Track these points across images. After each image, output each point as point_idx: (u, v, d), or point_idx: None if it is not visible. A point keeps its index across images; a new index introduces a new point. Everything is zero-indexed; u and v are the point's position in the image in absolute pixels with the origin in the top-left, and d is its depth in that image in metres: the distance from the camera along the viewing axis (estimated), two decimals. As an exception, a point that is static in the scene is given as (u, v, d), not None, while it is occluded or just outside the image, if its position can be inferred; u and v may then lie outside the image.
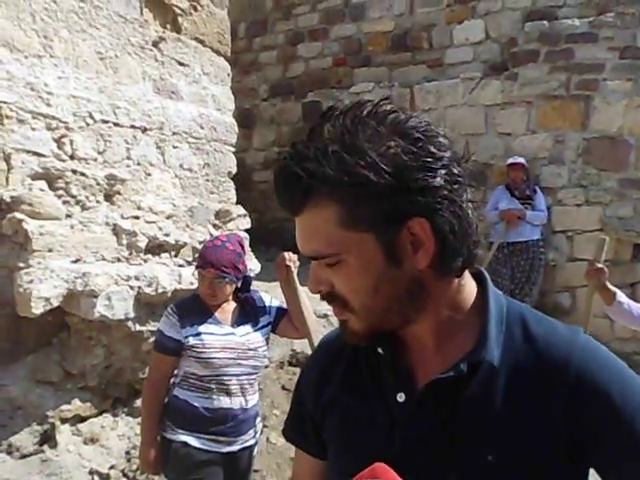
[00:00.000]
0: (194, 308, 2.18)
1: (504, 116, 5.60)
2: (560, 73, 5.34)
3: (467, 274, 0.74)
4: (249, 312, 2.23)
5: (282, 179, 0.68)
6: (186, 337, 2.11)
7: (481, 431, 0.69)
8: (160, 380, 2.17)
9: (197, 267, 2.19)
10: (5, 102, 2.83)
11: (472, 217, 0.70)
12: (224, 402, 2.12)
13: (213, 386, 2.12)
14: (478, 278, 0.77)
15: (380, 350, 0.76)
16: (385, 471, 0.63)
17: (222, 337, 2.15)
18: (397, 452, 0.71)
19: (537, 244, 5.10)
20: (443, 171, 0.66)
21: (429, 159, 0.66)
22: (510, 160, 5.19)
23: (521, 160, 5.15)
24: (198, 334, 2.12)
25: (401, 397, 0.73)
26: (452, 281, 0.72)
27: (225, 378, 2.12)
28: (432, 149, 0.66)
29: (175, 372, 2.20)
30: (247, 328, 2.21)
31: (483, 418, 0.69)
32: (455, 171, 0.68)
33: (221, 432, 2.11)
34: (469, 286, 0.75)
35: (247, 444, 2.22)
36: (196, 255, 2.94)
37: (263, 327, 2.26)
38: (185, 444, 2.10)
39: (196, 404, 2.11)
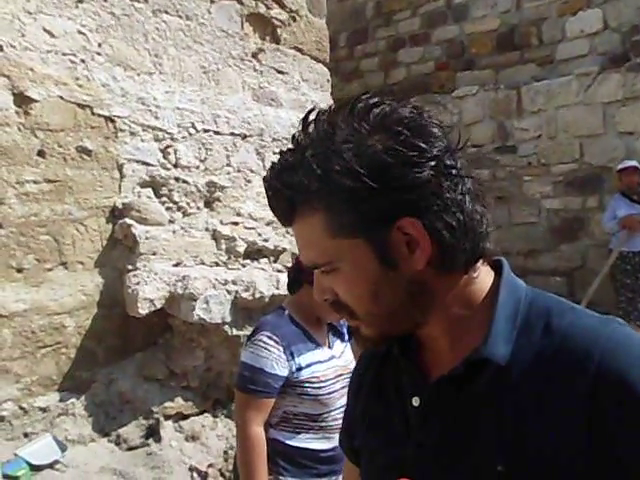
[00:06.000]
0: (291, 331, 1.72)
1: (626, 113, 5.11)
2: (694, 61, 4.80)
3: (482, 266, 0.68)
4: (330, 324, 1.82)
5: (268, 192, 0.68)
6: (298, 371, 1.67)
7: (489, 438, 0.62)
8: (262, 432, 1.65)
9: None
10: (119, 116, 3.06)
11: (474, 209, 0.64)
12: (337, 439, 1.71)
13: (327, 423, 1.71)
14: (498, 268, 0.70)
15: (396, 352, 0.73)
16: None
17: (328, 363, 1.74)
18: (410, 462, 0.68)
19: None
20: (432, 163, 0.61)
21: (413, 153, 0.61)
22: (620, 165, 4.93)
23: (633, 163, 4.88)
24: (309, 365, 1.68)
25: (416, 401, 0.69)
26: (458, 277, 0.67)
27: (338, 411, 1.69)
28: (418, 142, 0.62)
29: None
30: (339, 345, 1.83)
31: (491, 423, 0.62)
32: (448, 163, 0.63)
33: (339, 471, 1.69)
34: (483, 279, 0.68)
35: None
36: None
37: (345, 335, 1.86)
38: None
39: (311, 447, 1.70)
